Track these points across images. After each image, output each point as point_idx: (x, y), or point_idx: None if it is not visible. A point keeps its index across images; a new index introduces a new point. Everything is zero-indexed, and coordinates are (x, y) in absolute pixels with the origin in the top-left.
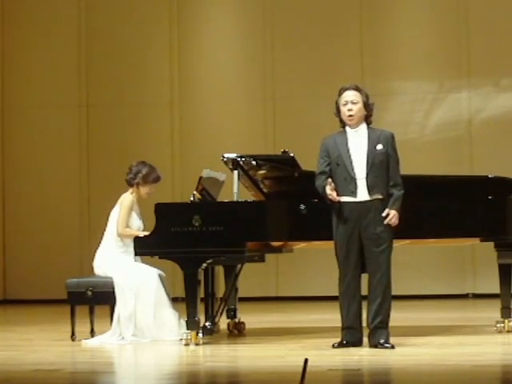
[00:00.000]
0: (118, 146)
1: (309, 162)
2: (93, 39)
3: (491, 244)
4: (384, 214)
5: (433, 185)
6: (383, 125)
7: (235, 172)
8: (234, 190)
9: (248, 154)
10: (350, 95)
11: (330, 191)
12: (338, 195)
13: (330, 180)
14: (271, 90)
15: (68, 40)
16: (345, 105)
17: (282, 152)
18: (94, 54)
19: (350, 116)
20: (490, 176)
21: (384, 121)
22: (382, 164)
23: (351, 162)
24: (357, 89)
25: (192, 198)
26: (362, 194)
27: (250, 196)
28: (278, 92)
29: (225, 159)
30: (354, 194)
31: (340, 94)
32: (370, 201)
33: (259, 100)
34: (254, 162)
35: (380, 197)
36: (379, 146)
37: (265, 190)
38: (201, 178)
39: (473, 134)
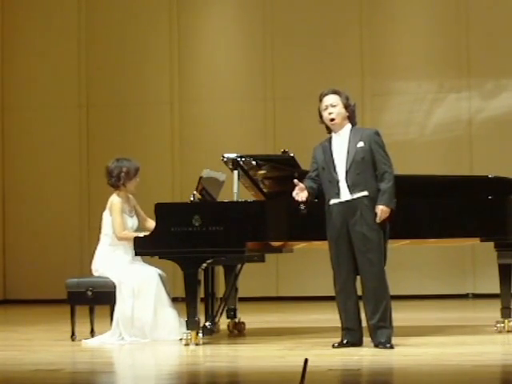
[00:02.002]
0: (118, 146)
1: (309, 162)
2: (93, 39)
3: (491, 244)
4: (377, 212)
5: (433, 185)
6: (383, 125)
7: (235, 172)
8: (234, 189)
9: (248, 154)
10: (329, 99)
11: (294, 193)
12: (326, 199)
13: (297, 182)
14: (271, 90)
15: (68, 40)
16: (325, 109)
17: (282, 152)
18: (94, 54)
19: (332, 119)
20: (489, 176)
21: (384, 121)
22: (364, 160)
23: (333, 165)
24: (335, 92)
25: (192, 198)
26: (345, 194)
27: (250, 196)
28: (278, 92)
29: (225, 159)
30: (338, 195)
31: (320, 101)
32: (354, 200)
33: (259, 100)
34: (254, 162)
35: (365, 194)
36: (360, 144)
37: (265, 190)
38: (201, 177)
39: (473, 134)
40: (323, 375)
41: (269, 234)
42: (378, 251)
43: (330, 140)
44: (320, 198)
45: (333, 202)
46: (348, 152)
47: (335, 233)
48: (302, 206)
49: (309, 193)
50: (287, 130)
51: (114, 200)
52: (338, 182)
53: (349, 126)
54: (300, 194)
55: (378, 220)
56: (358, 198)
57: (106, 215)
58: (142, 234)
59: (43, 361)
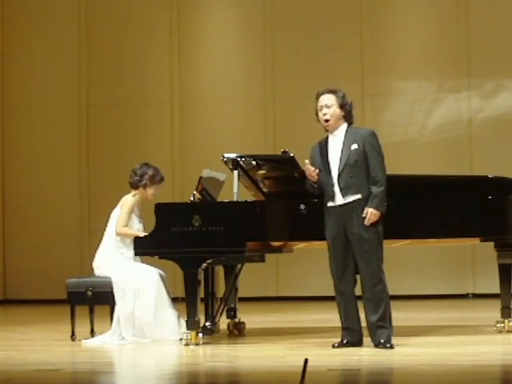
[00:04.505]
0: (117, 146)
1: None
2: (93, 39)
3: (491, 244)
4: (364, 214)
5: (433, 185)
6: (383, 125)
7: (235, 172)
8: (234, 189)
9: (248, 154)
10: (324, 99)
11: (307, 168)
12: (324, 200)
13: (308, 161)
14: (271, 90)
15: (68, 40)
16: (320, 110)
17: (282, 152)
18: (94, 54)
19: (326, 121)
20: (489, 176)
21: (384, 121)
22: (357, 163)
23: (329, 167)
24: (330, 91)
25: (192, 198)
26: (339, 198)
27: (250, 196)
28: (278, 92)
29: (225, 159)
30: (333, 198)
31: (316, 99)
32: (349, 203)
33: (259, 100)
34: (254, 162)
35: (359, 197)
36: (354, 146)
37: (265, 190)
38: (201, 178)
39: (473, 134)
40: (323, 375)
41: (269, 234)
42: (375, 251)
43: (326, 140)
44: (319, 198)
45: (329, 204)
46: (341, 155)
47: (332, 234)
48: (302, 206)
49: (318, 175)
50: (287, 130)
51: (129, 198)
52: (332, 185)
53: (344, 126)
54: (312, 170)
55: (366, 222)
56: (353, 201)
57: (115, 213)
58: (141, 234)
59: (43, 361)
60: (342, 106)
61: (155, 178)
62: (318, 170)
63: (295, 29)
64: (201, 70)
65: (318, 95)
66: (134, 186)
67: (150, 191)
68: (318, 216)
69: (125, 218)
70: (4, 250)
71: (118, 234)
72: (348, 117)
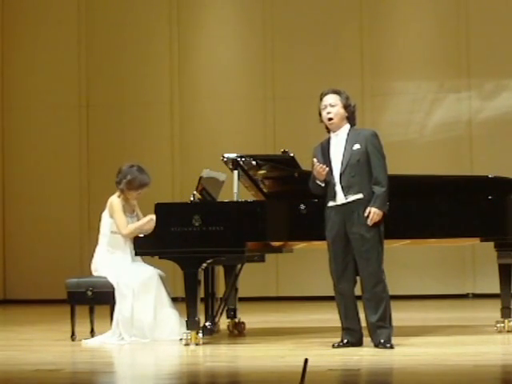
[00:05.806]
0: (118, 146)
1: (309, 162)
2: (93, 39)
3: (491, 244)
4: (366, 214)
5: (433, 185)
6: (383, 125)
7: (235, 172)
8: (234, 189)
9: (248, 154)
10: (328, 99)
11: (316, 167)
12: (325, 200)
13: (316, 161)
14: (271, 90)
15: (68, 40)
16: (324, 109)
17: (282, 152)
18: (94, 54)
19: (330, 119)
20: (489, 176)
21: (384, 121)
22: (360, 163)
23: (331, 167)
24: (335, 92)
25: (192, 198)
26: (340, 197)
27: (250, 196)
28: (278, 92)
29: (225, 159)
30: (334, 197)
31: (320, 100)
32: (349, 203)
33: (259, 100)
34: (254, 162)
35: (360, 196)
36: (356, 146)
37: (265, 190)
38: (201, 177)
39: (473, 134)
40: (323, 375)
41: (269, 234)
42: (375, 251)
43: (328, 141)
44: (319, 198)
45: (330, 204)
46: (343, 154)
47: (333, 233)
48: (302, 206)
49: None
50: (287, 130)
51: (114, 200)
52: (334, 184)
53: (347, 126)
54: (323, 169)
55: (369, 222)
56: (354, 201)
57: (104, 215)
58: (146, 220)
59: (43, 361)
60: (345, 107)
61: (132, 184)
62: (328, 169)
63: (295, 28)
64: (201, 69)
65: (322, 95)
66: (116, 187)
67: (129, 196)
68: (318, 216)
69: (122, 220)
70: (4, 249)
71: (127, 237)
72: (351, 118)
